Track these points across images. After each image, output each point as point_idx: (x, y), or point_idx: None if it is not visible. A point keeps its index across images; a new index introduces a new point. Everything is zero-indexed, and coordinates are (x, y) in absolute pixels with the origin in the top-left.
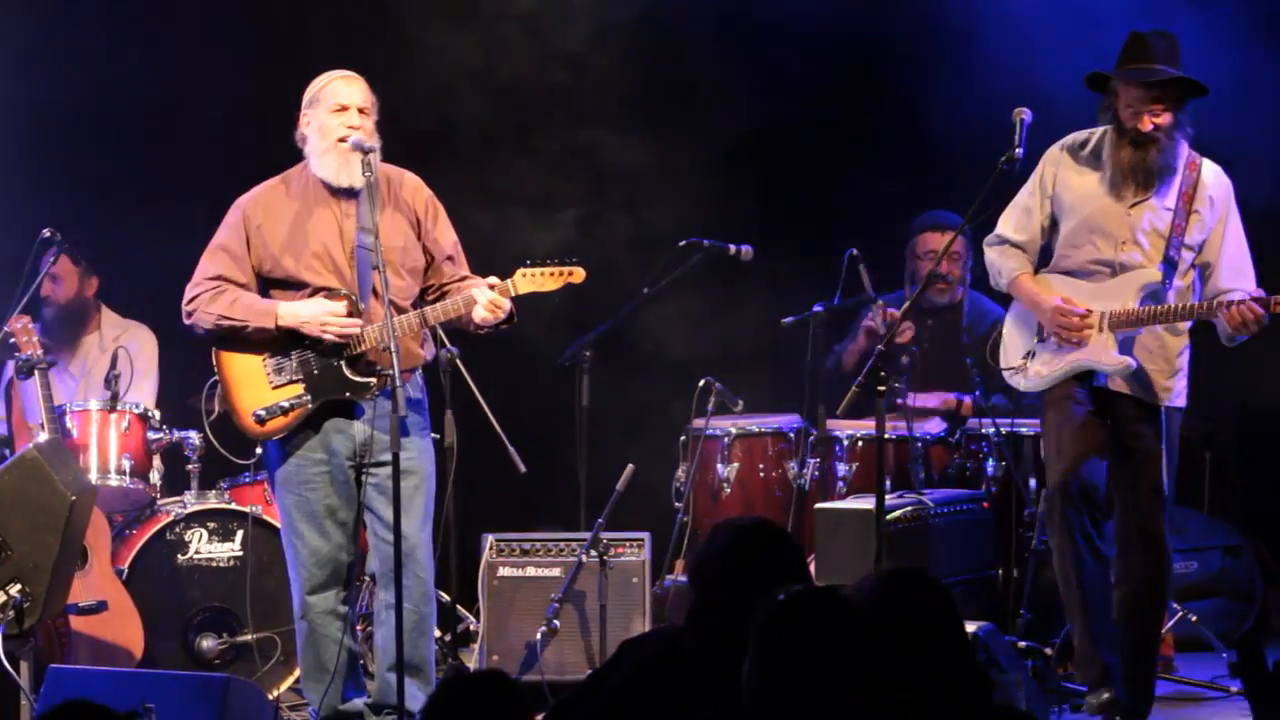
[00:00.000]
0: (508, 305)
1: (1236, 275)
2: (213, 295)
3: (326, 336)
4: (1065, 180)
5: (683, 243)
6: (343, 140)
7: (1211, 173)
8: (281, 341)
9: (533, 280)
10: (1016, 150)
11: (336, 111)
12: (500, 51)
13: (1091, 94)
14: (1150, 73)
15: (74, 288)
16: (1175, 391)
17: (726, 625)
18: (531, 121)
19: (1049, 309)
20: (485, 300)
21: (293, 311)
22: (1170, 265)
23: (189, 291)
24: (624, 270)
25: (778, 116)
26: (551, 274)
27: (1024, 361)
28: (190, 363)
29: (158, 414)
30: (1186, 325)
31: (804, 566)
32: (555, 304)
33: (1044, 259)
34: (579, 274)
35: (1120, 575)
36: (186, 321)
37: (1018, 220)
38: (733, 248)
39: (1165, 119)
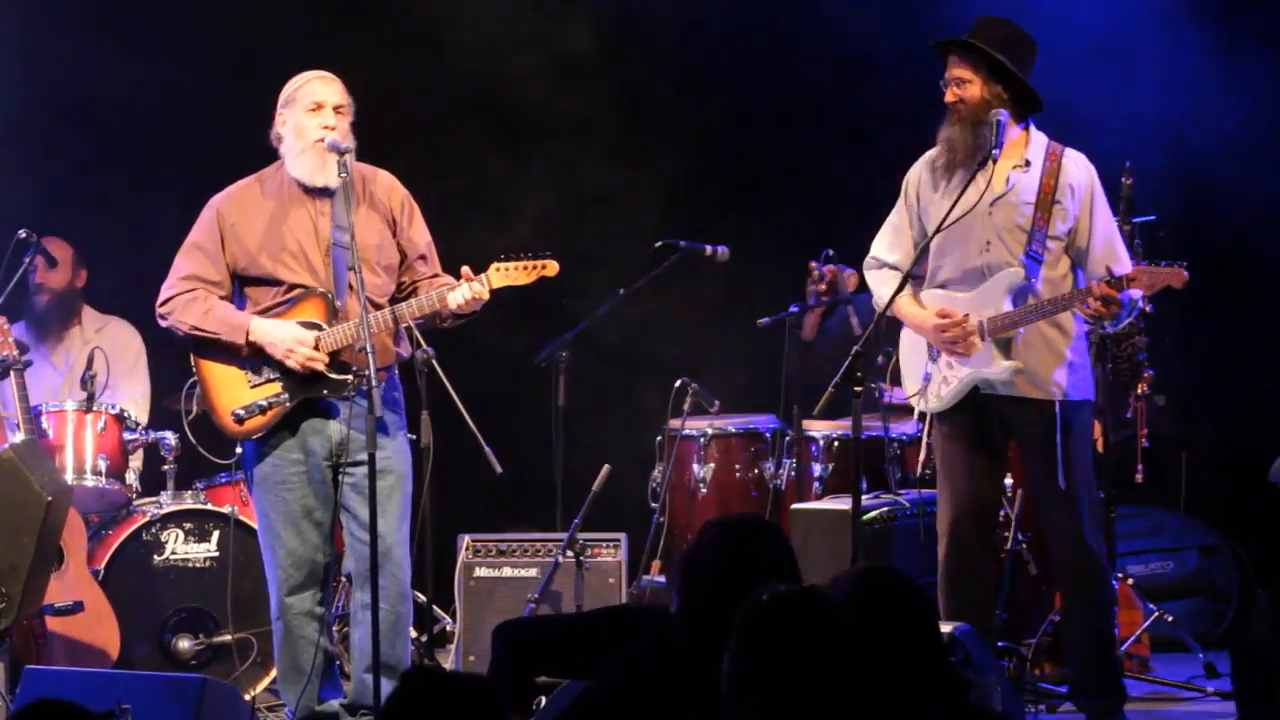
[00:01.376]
0: (485, 295)
1: (1104, 260)
2: (187, 302)
3: (289, 363)
4: (926, 194)
5: (659, 243)
6: (319, 141)
7: (1072, 160)
8: (255, 345)
9: (506, 274)
10: (993, 151)
11: (312, 111)
12: (470, 50)
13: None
14: (952, 41)
15: (68, 275)
16: (1070, 385)
17: (717, 623)
18: (509, 123)
19: (930, 327)
20: (458, 299)
21: (264, 330)
22: (1034, 260)
23: (164, 292)
24: (600, 271)
25: (754, 114)
26: (525, 268)
27: (923, 385)
28: (167, 363)
29: (133, 412)
30: (1074, 319)
31: (795, 564)
32: (530, 303)
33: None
34: (552, 267)
35: (1055, 577)
36: (162, 324)
37: (890, 241)
38: (708, 248)
39: (969, 91)
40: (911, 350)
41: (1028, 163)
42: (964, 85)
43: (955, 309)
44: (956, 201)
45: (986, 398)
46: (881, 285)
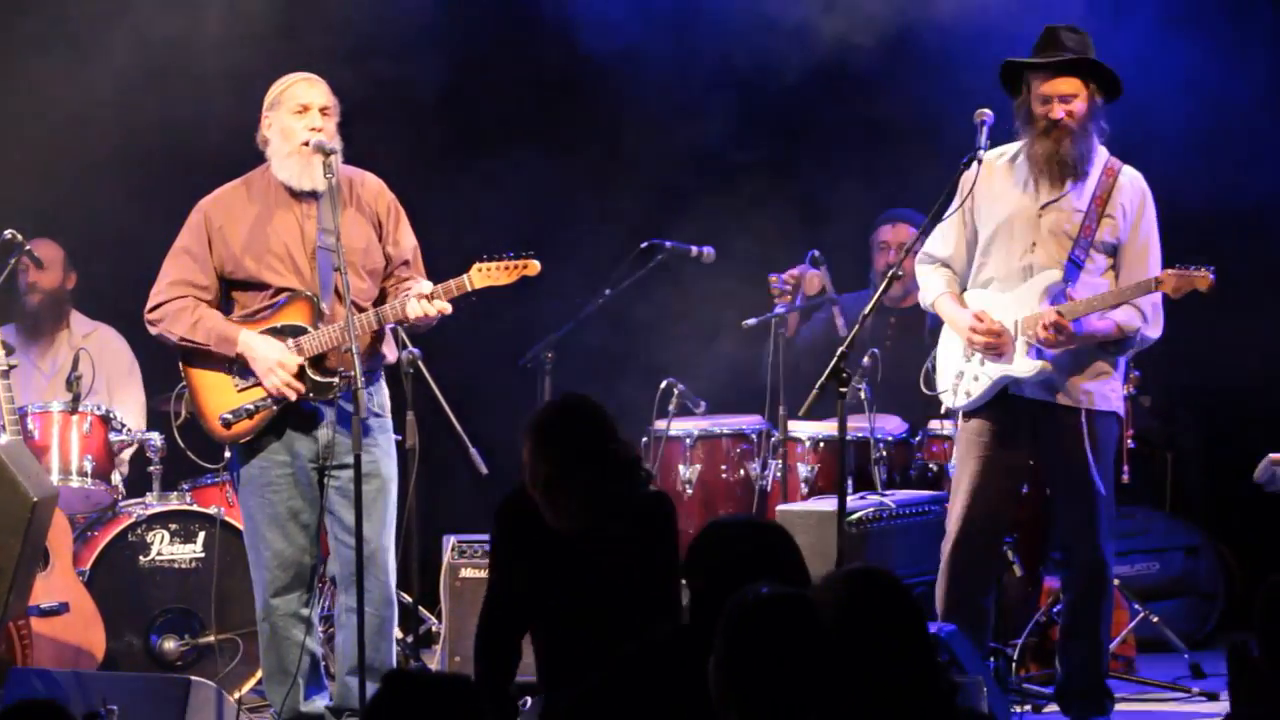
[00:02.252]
0: (447, 309)
1: (1126, 277)
2: (176, 312)
3: (267, 383)
4: (982, 190)
5: (644, 244)
6: (305, 143)
7: (1128, 178)
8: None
9: (488, 275)
10: (979, 151)
11: (298, 113)
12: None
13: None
14: (1057, 57)
15: (59, 277)
16: (1098, 395)
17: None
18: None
19: (964, 325)
20: (416, 310)
21: (250, 345)
22: (1075, 266)
23: (153, 298)
24: (585, 271)
25: (740, 116)
26: (506, 268)
27: (955, 382)
28: (154, 365)
29: (136, 416)
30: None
31: (803, 566)
32: (515, 305)
33: None
34: (534, 266)
35: (1064, 581)
36: (151, 330)
37: (943, 235)
38: (694, 249)
39: (1076, 106)
40: (948, 347)
41: (1086, 172)
42: (1071, 100)
43: (994, 308)
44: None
45: (1014, 399)
46: (927, 278)
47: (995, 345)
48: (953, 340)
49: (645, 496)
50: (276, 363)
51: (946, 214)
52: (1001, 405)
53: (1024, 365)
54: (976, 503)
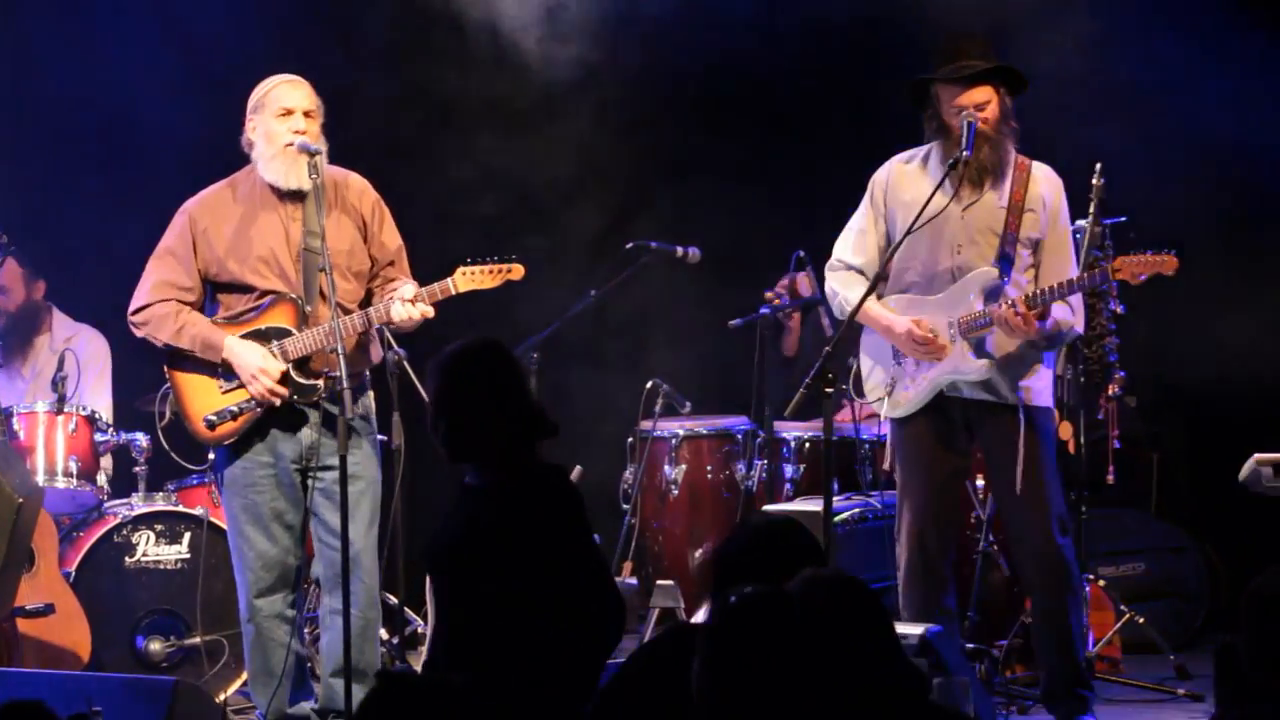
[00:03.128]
0: (430, 312)
1: (1047, 274)
2: (160, 318)
3: (251, 389)
4: (896, 196)
5: (630, 245)
6: (289, 145)
7: (1042, 172)
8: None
9: (472, 278)
10: (964, 153)
11: (282, 116)
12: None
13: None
14: (965, 68)
15: (22, 295)
16: (1034, 390)
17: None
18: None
19: (902, 333)
20: (402, 310)
21: (235, 352)
22: (1007, 261)
23: (137, 300)
24: (572, 272)
25: (726, 116)
26: (491, 271)
27: (888, 390)
28: (137, 366)
29: (104, 415)
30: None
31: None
32: (501, 305)
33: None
34: (518, 270)
35: (1023, 582)
36: (136, 332)
37: (855, 243)
38: (679, 250)
39: (990, 112)
40: (874, 355)
41: (1004, 173)
42: (986, 107)
43: (923, 311)
44: (926, 204)
45: (950, 401)
46: (844, 287)
47: (934, 351)
48: (879, 347)
49: (547, 465)
50: (260, 369)
51: (857, 219)
52: (938, 408)
53: (969, 364)
54: (927, 508)
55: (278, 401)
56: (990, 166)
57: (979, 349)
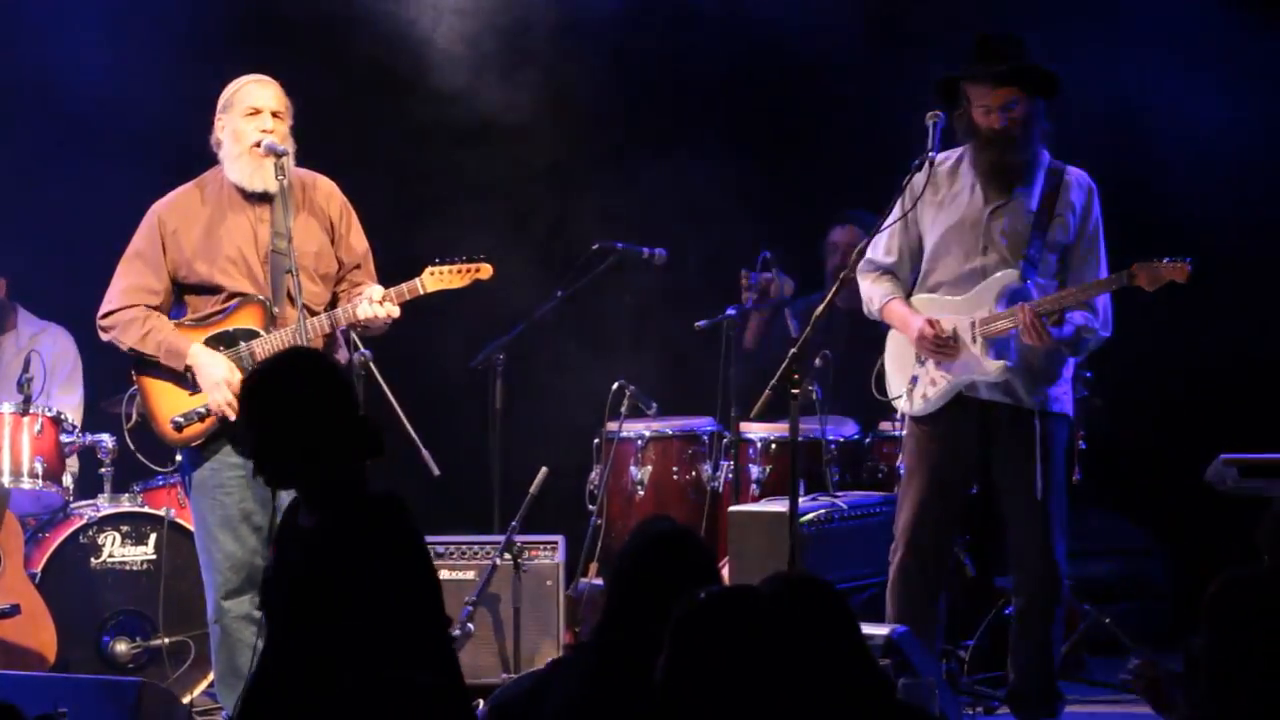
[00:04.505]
0: (396, 312)
1: (1075, 276)
2: (127, 323)
3: (211, 397)
4: (926, 198)
5: (596, 246)
6: (257, 145)
7: (1074, 177)
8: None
9: (441, 278)
10: (929, 154)
11: (250, 115)
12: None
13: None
14: (992, 68)
15: None
16: (1051, 397)
17: (638, 626)
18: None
19: (916, 331)
20: (365, 312)
21: (200, 361)
22: (1031, 265)
23: (106, 304)
24: (538, 273)
25: (693, 117)
26: (459, 271)
27: (910, 387)
28: (104, 367)
29: (74, 415)
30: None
31: (716, 571)
32: (466, 306)
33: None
34: (486, 270)
35: (1014, 584)
36: (103, 336)
37: (885, 244)
38: (646, 251)
39: (1018, 113)
40: (898, 352)
41: (1034, 175)
42: (1013, 108)
43: (946, 311)
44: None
45: (969, 402)
46: (872, 286)
47: (947, 349)
48: (903, 345)
49: (381, 497)
50: (223, 380)
51: (891, 219)
52: (954, 408)
53: (987, 366)
54: (928, 509)
55: (233, 416)
56: (1016, 169)
57: (999, 351)
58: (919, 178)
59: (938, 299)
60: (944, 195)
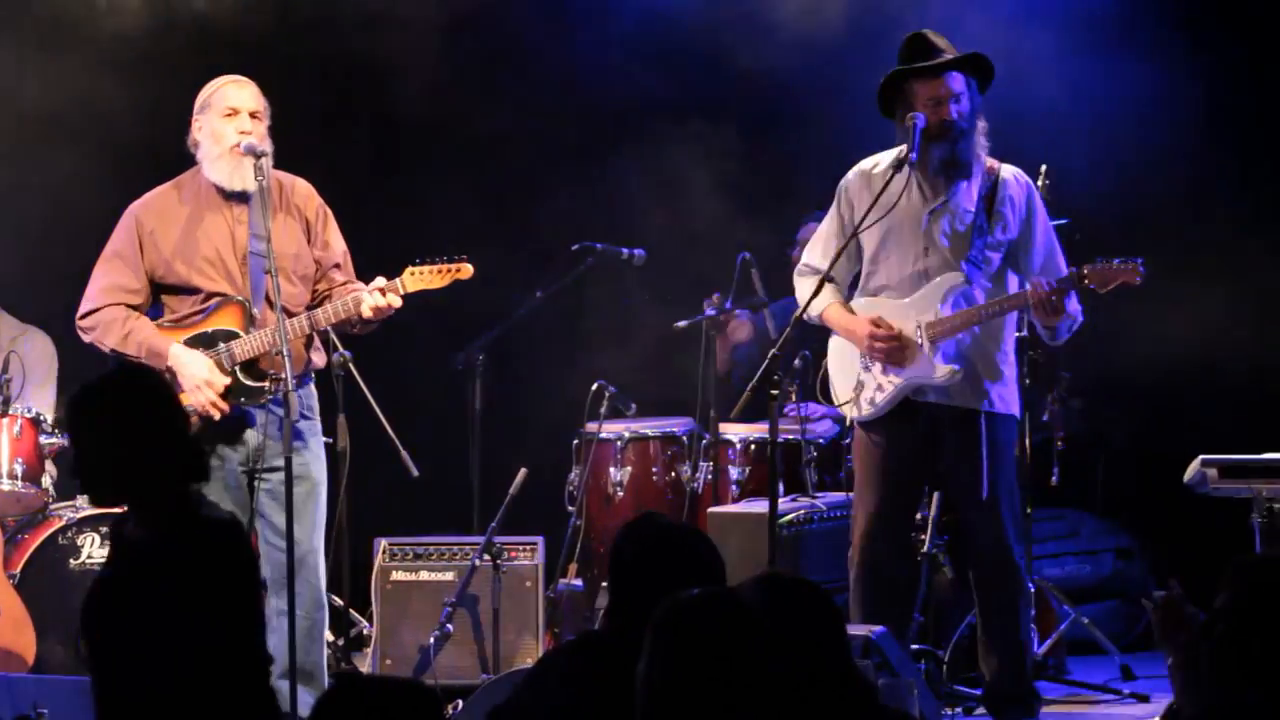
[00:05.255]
0: (398, 302)
1: (1045, 270)
2: (107, 324)
3: (193, 398)
4: (863, 201)
5: (575, 246)
6: (235, 145)
7: (1010, 174)
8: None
9: (421, 278)
10: (909, 155)
11: (228, 116)
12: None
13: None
14: (936, 60)
15: None
16: (998, 398)
17: (638, 623)
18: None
19: (862, 334)
20: (371, 302)
21: (181, 361)
22: (975, 266)
23: (85, 304)
24: (518, 274)
25: (675, 115)
26: (439, 271)
27: (855, 393)
28: (85, 367)
29: (50, 418)
30: (1006, 334)
31: (721, 569)
32: (447, 306)
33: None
34: (467, 270)
35: (973, 583)
36: (84, 337)
37: (823, 249)
38: (625, 252)
39: (965, 104)
40: (841, 358)
41: (972, 172)
42: (961, 99)
43: (890, 315)
44: (889, 208)
45: (916, 405)
46: (810, 292)
47: (894, 351)
48: (846, 350)
49: (215, 520)
50: (205, 380)
51: (864, 225)
52: (901, 412)
53: (937, 370)
54: (882, 513)
55: (217, 415)
56: (965, 162)
57: (946, 354)
58: (848, 179)
59: (880, 302)
60: (881, 198)
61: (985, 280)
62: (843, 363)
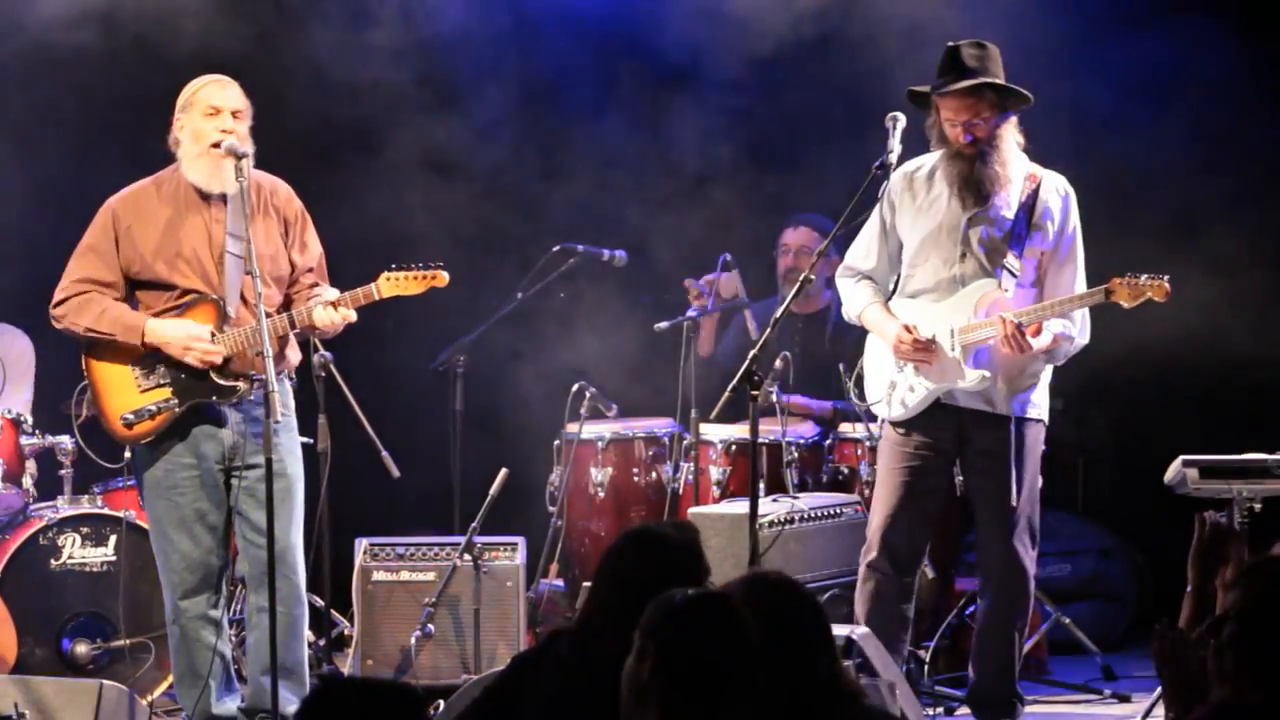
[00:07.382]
0: (353, 316)
1: (1057, 291)
2: (81, 304)
3: (188, 360)
4: (904, 204)
5: (556, 247)
6: (216, 145)
7: (1053, 183)
8: (151, 346)
9: (397, 284)
10: (890, 155)
11: (209, 115)
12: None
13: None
14: (952, 83)
15: None
16: (1028, 403)
17: (620, 628)
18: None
19: (892, 336)
20: (324, 317)
21: (159, 331)
22: (1009, 273)
23: (57, 294)
24: (497, 275)
25: (656, 120)
26: (415, 277)
27: (888, 393)
28: (63, 367)
29: (29, 419)
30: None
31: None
32: (425, 308)
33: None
34: (442, 278)
35: (980, 586)
36: (57, 325)
37: (865, 249)
38: (606, 253)
39: (982, 130)
40: (877, 357)
41: (1009, 181)
42: (978, 124)
43: (925, 318)
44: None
45: (946, 408)
46: (851, 291)
47: (923, 358)
48: (882, 350)
49: None
50: (190, 337)
51: (862, 221)
52: (932, 414)
53: (968, 376)
54: (902, 511)
55: (218, 359)
56: (985, 182)
57: (978, 360)
58: (891, 182)
59: (917, 305)
60: (922, 201)
61: (1019, 288)
62: (878, 362)
